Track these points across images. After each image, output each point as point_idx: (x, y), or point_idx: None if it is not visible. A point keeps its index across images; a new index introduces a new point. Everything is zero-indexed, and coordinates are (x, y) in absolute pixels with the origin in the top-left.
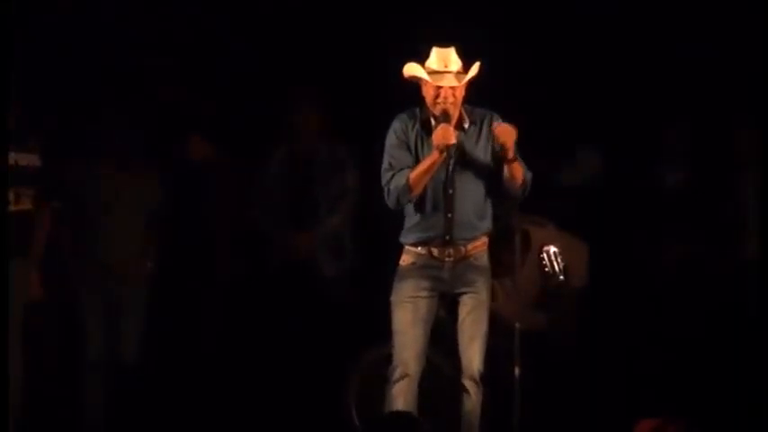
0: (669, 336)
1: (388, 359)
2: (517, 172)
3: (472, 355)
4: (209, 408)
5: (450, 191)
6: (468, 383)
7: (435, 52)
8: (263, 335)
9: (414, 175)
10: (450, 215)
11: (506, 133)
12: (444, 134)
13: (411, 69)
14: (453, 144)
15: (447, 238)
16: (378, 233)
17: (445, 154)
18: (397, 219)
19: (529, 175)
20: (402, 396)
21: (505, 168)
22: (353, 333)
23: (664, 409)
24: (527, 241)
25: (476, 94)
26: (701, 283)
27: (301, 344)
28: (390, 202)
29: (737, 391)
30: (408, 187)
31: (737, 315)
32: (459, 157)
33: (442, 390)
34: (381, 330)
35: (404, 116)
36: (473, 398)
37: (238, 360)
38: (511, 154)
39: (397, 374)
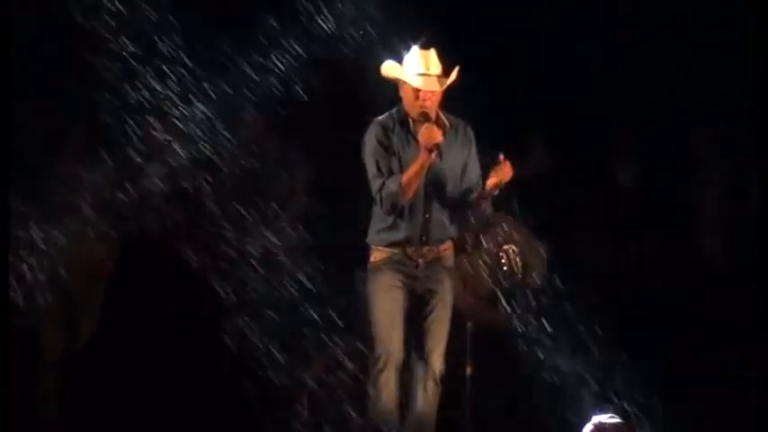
0: (623, 333)
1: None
2: (486, 204)
3: (437, 356)
4: (164, 407)
5: (429, 191)
6: (429, 383)
7: (417, 53)
8: (216, 333)
9: (405, 179)
10: (427, 216)
11: (508, 173)
12: (430, 133)
13: (391, 70)
14: (441, 142)
15: (423, 239)
16: (330, 234)
17: (434, 153)
18: (349, 220)
19: (490, 210)
20: (387, 385)
21: (481, 199)
22: (306, 331)
23: (614, 407)
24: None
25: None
26: (655, 281)
27: (256, 342)
28: (385, 209)
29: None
30: (401, 192)
31: (690, 314)
32: (438, 160)
33: None
34: (330, 331)
35: (381, 120)
36: (431, 397)
37: (194, 358)
38: (497, 191)
39: (381, 364)
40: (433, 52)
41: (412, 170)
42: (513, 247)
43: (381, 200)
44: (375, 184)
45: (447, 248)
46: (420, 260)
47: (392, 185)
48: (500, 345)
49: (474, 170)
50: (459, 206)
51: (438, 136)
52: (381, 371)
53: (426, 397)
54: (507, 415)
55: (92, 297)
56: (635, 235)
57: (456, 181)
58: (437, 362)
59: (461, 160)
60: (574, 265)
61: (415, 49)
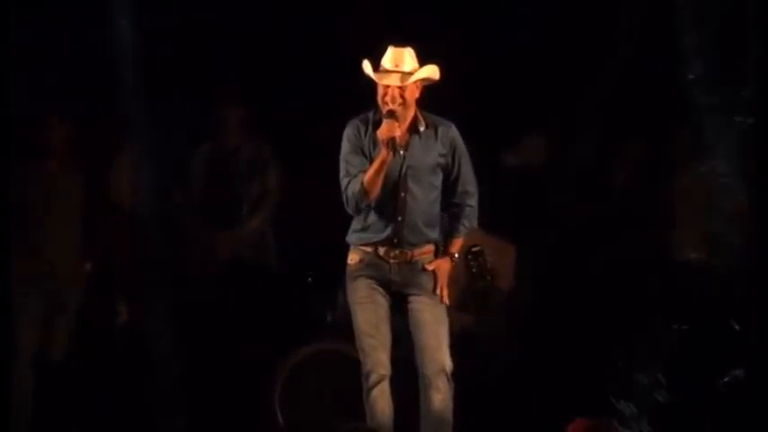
0: (598, 336)
1: (314, 357)
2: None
3: (442, 353)
4: (138, 407)
5: (402, 194)
6: (440, 381)
7: (390, 51)
8: (190, 334)
9: (366, 177)
10: (400, 218)
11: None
12: (389, 128)
13: (363, 67)
14: (397, 137)
15: (395, 241)
16: (303, 233)
17: (392, 152)
18: (326, 219)
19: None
20: (382, 397)
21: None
22: (277, 332)
23: (590, 410)
24: None
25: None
26: (631, 282)
27: (226, 343)
28: (350, 208)
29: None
30: (364, 191)
31: (667, 316)
32: (413, 161)
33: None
34: (307, 329)
35: (356, 121)
36: (446, 396)
37: (167, 358)
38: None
39: (373, 378)
40: (408, 50)
41: (372, 169)
42: (483, 250)
43: (347, 200)
44: (342, 184)
45: (422, 253)
46: (392, 261)
47: (355, 185)
48: (470, 348)
49: (468, 175)
50: (449, 208)
51: (396, 131)
52: (374, 385)
53: (441, 396)
54: (481, 417)
55: (71, 297)
56: (606, 236)
57: (434, 183)
58: (444, 359)
59: (439, 161)
60: (545, 267)
61: (390, 47)
